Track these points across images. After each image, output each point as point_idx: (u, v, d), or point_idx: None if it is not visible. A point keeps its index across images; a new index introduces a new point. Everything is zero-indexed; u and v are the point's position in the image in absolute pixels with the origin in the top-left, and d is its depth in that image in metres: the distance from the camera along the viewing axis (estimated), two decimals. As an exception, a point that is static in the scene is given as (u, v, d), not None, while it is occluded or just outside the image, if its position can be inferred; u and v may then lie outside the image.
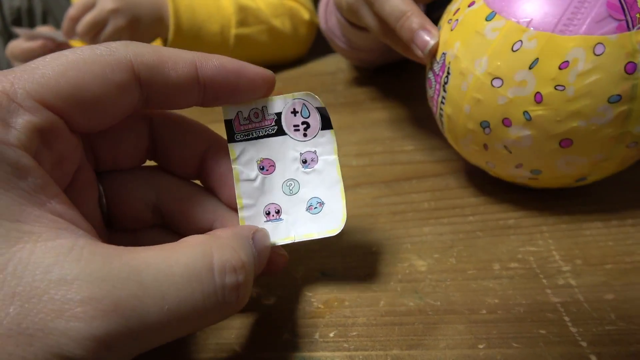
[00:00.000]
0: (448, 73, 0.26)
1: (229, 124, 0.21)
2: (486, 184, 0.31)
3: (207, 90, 0.19)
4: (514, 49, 0.22)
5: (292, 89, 0.45)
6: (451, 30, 0.26)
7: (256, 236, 0.20)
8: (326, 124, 0.22)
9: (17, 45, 0.61)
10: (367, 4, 0.32)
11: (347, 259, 0.27)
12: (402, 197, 0.31)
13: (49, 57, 0.16)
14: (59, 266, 0.14)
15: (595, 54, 0.21)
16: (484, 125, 0.25)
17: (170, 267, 0.15)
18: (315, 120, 0.22)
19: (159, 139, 0.22)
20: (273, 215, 0.22)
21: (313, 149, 0.22)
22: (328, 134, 0.22)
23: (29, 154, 0.15)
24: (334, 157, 0.22)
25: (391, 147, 0.38)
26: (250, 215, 0.22)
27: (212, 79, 0.19)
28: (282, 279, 0.26)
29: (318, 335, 0.22)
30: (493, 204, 0.29)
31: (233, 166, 0.22)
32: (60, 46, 0.57)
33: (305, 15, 0.66)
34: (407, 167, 0.35)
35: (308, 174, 0.22)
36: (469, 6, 0.25)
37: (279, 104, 0.22)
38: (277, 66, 0.63)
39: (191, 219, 0.22)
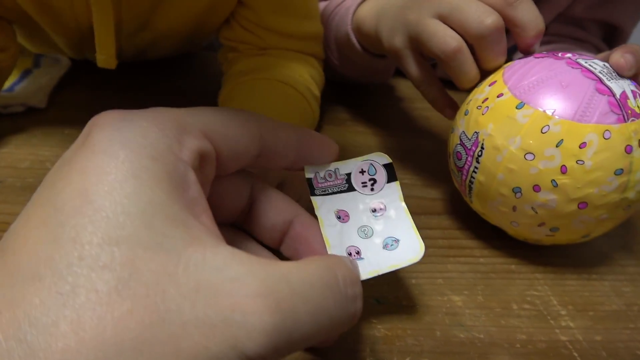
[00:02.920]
0: (482, 148, 0.31)
1: (309, 181, 0.25)
2: (479, 229, 0.37)
3: (300, 151, 0.23)
4: (543, 131, 0.29)
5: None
6: (482, 114, 0.32)
7: (354, 264, 0.22)
8: (391, 177, 0.26)
9: None
10: (419, 80, 0.38)
11: (393, 288, 0.30)
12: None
13: (204, 107, 0.20)
14: (229, 267, 0.15)
15: (604, 138, 0.28)
16: (516, 190, 0.30)
17: (308, 276, 0.17)
18: (381, 176, 0.26)
19: (256, 202, 0.24)
20: (354, 256, 0.24)
21: (380, 200, 0.26)
22: (393, 186, 0.26)
23: (193, 170, 0.17)
24: (399, 204, 0.26)
25: (389, 178, 0.43)
26: (337, 255, 0.24)
27: (304, 140, 0.23)
28: (342, 303, 0.28)
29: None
30: (493, 248, 0.35)
31: (317, 214, 0.24)
32: None
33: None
34: (410, 201, 0.40)
35: (378, 220, 0.26)
36: (497, 97, 0.31)
37: (349, 166, 0.25)
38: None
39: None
